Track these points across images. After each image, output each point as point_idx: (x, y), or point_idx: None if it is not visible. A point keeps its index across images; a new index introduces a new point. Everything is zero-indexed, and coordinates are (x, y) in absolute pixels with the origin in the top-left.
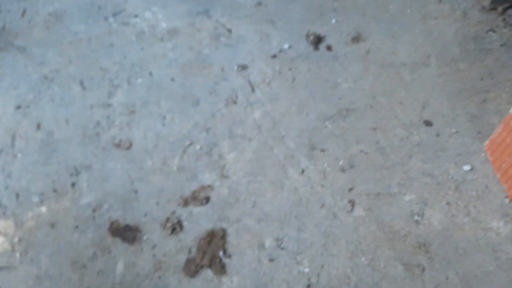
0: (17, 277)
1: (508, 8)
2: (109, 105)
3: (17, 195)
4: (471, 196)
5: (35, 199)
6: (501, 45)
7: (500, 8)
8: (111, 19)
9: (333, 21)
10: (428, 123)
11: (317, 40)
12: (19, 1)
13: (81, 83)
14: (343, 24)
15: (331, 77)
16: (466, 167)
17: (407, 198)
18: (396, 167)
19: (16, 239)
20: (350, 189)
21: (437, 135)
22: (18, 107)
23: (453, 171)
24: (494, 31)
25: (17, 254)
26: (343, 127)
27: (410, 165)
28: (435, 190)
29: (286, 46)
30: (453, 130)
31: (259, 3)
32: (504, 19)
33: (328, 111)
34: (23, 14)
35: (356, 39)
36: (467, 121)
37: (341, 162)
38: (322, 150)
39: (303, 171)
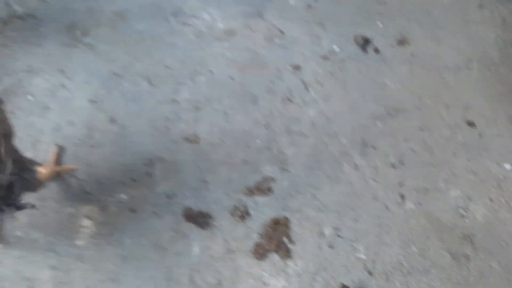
0: (106, 257)
1: None
2: (175, 101)
3: (100, 183)
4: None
5: (116, 186)
6: None
7: None
8: (171, 19)
9: (380, 24)
10: (471, 124)
11: (365, 43)
12: (86, 0)
13: (148, 80)
14: (389, 27)
15: (379, 78)
16: (508, 166)
17: (453, 193)
18: (443, 164)
19: (102, 223)
20: (401, 184)
21: (480, 135)
22: (92, 101)
23: (495, 170)
24: None
25: (104, 236)
26: (392, 126)
27: (455, 163)
28: (478, 186)
29: (336, 47)
30: (495, 131)
31: (309, 6)
32: None
33: (378, 110)
34: (89, 13)
35: (402, 42)
36: (508, 122)
37: (391, 159)
38: (374, 148)
39: (356, 166)
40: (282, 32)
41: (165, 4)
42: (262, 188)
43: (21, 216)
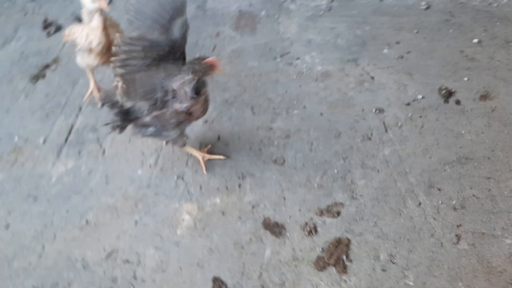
0: (197, 247)
1: None
2: (271, 129)
3: (200, 187)
4: None
5: (213, 192)
6: None
7: None
8: (278, 59)
9: (465, 78)
10: None
11: (448, 94)
12: (212, 39)
13: (252, 108)
14: (473, 82)
15: (456, 128)
16: None
17: (508, 241)
18: (503, 213)
19: (198, 219)
20: (459, 226)
21: None
22: (206, 121)
23: None
24: None
25: (198, 230)
26: (460, 173)
27: None
28: None
29: (419, 96)
30: None
31: (401, 56)
32: None
33: (449, 157)
34: (213, 49)
35: (484, 97)
36: None
37: (454, 202)
38: (439, 189)
39: (419, 204)
40: (372, 78)
41: (275, 46)
42: (332, 211)
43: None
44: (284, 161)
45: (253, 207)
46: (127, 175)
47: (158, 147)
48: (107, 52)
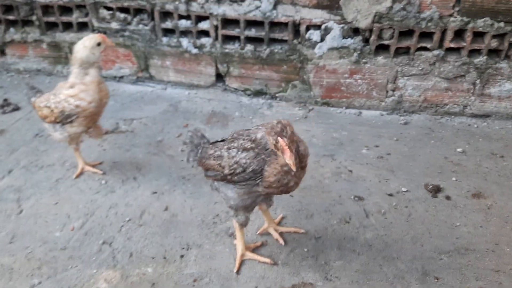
0: None
1: None
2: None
3: (131, 254)
4: None
5: (145, 260)
6: None
7: None
8: None
9: (453, 178)
10: None
11: (436, 189)
12: (179, 128)
13: (211, 185)
14: (463, 182)
15: (449, 220)
16: None
17: None
18: None
19: None
20: None
21: None
22: (154, 192)
23: None
24: None
25: None
26: (461, 263)
27: None
28: None
29: (403, 189)
30: None
31: (381, 157)
32: None
33: (444, 246)
34: (178, 136)
35: (477, 195)
36: None
37: None
38: (436, 278)
39: None
40: (350, 171)
41: None
42: None
43: None
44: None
45: (194, 280)
46: (40, 236)
47: (90, 211)
48: (97, 112)
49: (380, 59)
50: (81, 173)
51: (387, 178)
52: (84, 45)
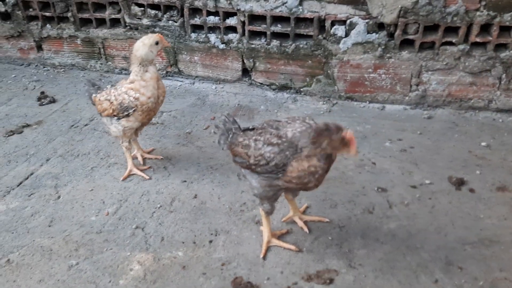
0: None
1: None
2: None
3: (162, 238)
4: None
5: (176, 245)
6: None
7: None
8: None
9: (477, 172)
10: None
11: (460, 182)
12: (206, 121)
13: (238, 175)
14: (487, 176)
15: (473, 212)
16: None
17: None
18: None
19: (150, 270)
20: None
21: None
22: (184, 181)
23: None
24: None
25: (147, 282)
26: (485, 254)
27: None
28: None
29: (427, 181)
30: None
31: (404, 150)
32: None
33: (468, 237)
34: (206, 128)
35: (502, 189)
36: None
37: (481, 283)
38: (460, 268)
39: (436, 281)
40: (373, 163)
41: None
42: (323, 277)
43: None
44: None
45: (223, 264)
46: (77, 220)
47: (123, 198)
48: (153, 108)
49: (405, 53)
50: (128, 176)
51: (411, 171)
52: (144, 43)
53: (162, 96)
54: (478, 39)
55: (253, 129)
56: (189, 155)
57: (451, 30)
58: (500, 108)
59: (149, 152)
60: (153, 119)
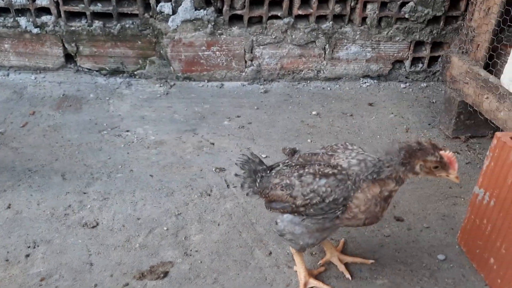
0: None
1: (470, 137)
2: (84, 193)
3: None
4: (448, 284)
5: None
6: (466, 163)
7: (463, 137)
8: (104, 132)
9: (309, 140)
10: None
11: (292, 152)
12: (24, 117)
13: (62, 175)
14: (317, 143)
15: None
16: (440, 257)
17: (379, 282)
18: (367, 254)
19: None
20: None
21: (409, 229)
22: None
23: (427, 260)
24: (459, 153)
25: None
26: None
27: (382, 253)
28: (409, 276)
29: (263, 155)
30: (425, 225)
31: (242, 126)
32: (467, 145)
33: None
34: (23, 125)
35: None
36: (439, 219)
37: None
38: None
39: (270, 253)
40: (212, 144)
41: (102, 122)
42: (156, 271)
43: None
44: (97, 224)
45: (42, 279)
46: None
47: None
48: None
49: (235, 29)
50: None
51: (248, 147)
52: None
53: None
54: (300, 12)
55: (277, 166)
56: (1, 159)
57: (276, 4)
58: (327, 77)
59: None
60: None
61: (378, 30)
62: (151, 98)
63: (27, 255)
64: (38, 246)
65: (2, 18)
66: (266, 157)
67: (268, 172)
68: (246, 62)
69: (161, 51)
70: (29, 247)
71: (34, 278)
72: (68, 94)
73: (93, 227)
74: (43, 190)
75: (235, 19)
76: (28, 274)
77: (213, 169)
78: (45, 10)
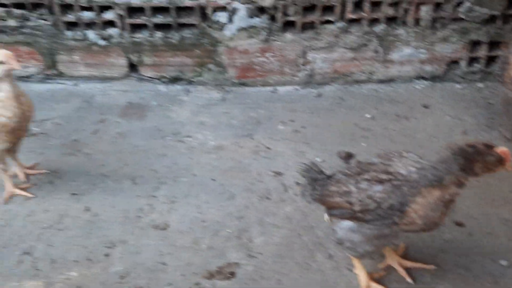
0: None
1: None
2: (154, 196)
3: (53, 261)
4: None
5: (69, 265)
6: None
7: None
8: (168, 138)
9: (363, 144)
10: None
11: (348, 156)
12: (95, 125)
13: (132, 179)
14: (372, 146)
15: None
16: (503, 262)
17: (440, 287)
18: (427, 259)
19: None
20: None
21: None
22: (73, 194)
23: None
24: None
25: None
26: None
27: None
28: (471, 282)
29: (318, 159)
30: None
31: (296, 131)
32: None
33: None
34: (95, 133)
35: None
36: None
37: None
38: None
39: (331, 256)
40: (268, 148)
41: (165, 128)
42: (224, 272)
43: None
44: (167, 226)
45: (121, 277)
46: None
47: (6, 223)
48: (20, 127)
49: (289, 35)
50: (10, 198)
51: (303, 151)
52: None
53: (29, 112)
54: (353, 16)
55: (335, 175)
56: (77, 165)
57: (329, 9)
58: (380, 79)
59: (31, 168)
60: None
61: (433, 31)
62: (209, 104)
63: (106, 255)
64: (115, 246)
65: (72, 32)
66: (323, 161)
67: (327, 180)
68: (298, 66)
69: (217, 59)
70: (107, 247)
71: (114, 276)
72: (132, 102)
73: (163, 229)
74: (116, 194)
75: (288, 25)
76: (108, 272)
77: (271, 173)
78: (110, 23)
